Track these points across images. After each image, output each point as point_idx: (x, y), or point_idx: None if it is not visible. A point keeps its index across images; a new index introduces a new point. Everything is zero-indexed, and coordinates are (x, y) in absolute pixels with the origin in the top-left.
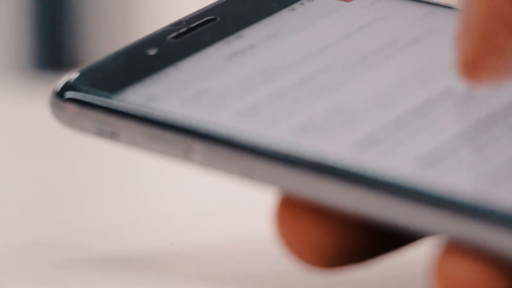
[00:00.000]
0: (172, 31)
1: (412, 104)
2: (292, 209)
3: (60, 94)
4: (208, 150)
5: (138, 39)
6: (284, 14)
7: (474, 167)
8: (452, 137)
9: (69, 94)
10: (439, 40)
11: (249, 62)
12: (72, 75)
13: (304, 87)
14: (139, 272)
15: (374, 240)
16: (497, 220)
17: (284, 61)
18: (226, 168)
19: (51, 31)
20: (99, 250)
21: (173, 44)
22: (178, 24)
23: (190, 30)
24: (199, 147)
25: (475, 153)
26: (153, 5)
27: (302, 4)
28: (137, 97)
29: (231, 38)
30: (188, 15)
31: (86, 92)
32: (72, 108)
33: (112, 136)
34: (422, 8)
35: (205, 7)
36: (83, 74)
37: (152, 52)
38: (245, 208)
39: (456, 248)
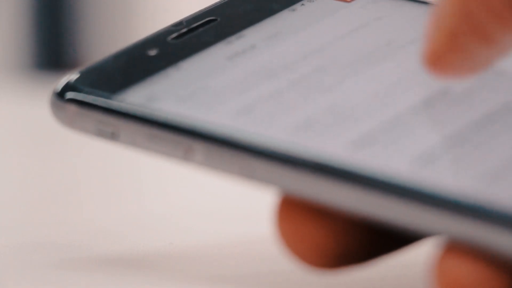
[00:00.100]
0: (172, 32)
1: (409, 103)
2: (292, 209)
3: (60, 95)
4: (208, 150)
5: (139, 39)
6: (285, 15)
7: (471, 166)
8: (449, 136)
9: (69, 94)
10: None
11: (250, 63)
12: (72, 76)
13: (305, 87)
14: (139, 272)
15: (374, 240)
16: (495, 219)
17: (284, 61)
18: (226, 168)
19: (51, 31)
20: (99, 250)
21: (173, 45)
22: (178, 24)
23: (190, 30)
24: (199, 147)
25: (472, 152)
26: (154, 5)
27: (302, 4)
28: (138, 97)
29: (231, 38)
30: (189, 15)
31: (86, 92)
32: (72, 108)
33: (113, 136)
34: (421, 8)
35: (205, 8)
36: (83, 75)
37: (152, 52)
38: (245, 208)
39: (456, 248)
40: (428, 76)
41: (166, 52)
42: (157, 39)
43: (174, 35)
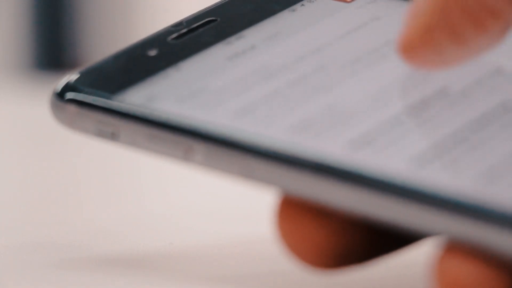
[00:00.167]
0: (172, 32)
1: (407, 103)
2: (293, 209)
3: (60, 95)
4: (208, 150)
5: (139, 40)
6: (285, 15)
7: (470, 165)
8: (447, 135)
9: (69, 95)
10: None
11: (250, 63)
12: (72, 76)
13: (304, 88)
14: (139, 272)
15: (374, 240)
16: (493, 219)
17: (284, 61)
18: (226, 168)
19: (51, 31)
20: (99, 250)
21: (173, 45)
22: (178, 25)
23: (190, 31)
24: (199, 148)
25: (470, 151)
26: (154, 5)
27: (302, 5)
28: (138, 97)
29: (231, 38)
30: (189, 16)
31: (86, 93)
32: (72, 108)
33: (113, 136)
34: None
35: (205, 8)
36: (83, 75)
37: (152, 53)
38: (245, 208)
39: (456, 248)
40: (426, 76)
41: (166, 52)
42: (157, 40)
43: (174, 35)
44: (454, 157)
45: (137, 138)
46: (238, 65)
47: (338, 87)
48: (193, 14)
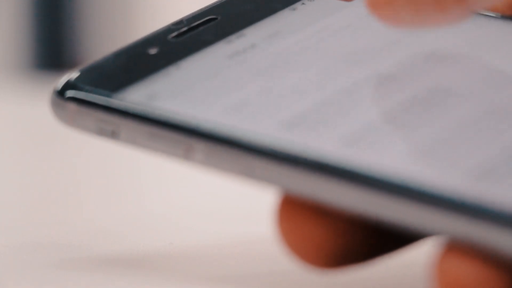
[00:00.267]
0: (173, 30)
1: (404, 99)
2: (293, 209)
3: (61, 93)
4: (208, 149)
5: (139, 38)
6: (285, 14)
7: (470, 164)
8: (442, 131)
9: (70, 93)
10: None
11: (250, 61)
12: (73, 74)
13: (306, 86)
14: (139, 272)
15: (375, 240)
16: (494, 218)
17: (285, 60)
18: (227, 167)
19: (51, 31)
20: (99, 250)
21: (174, 43)
22: (179, 23)
23: (191, 29)
24: (200, 146)
25: (469, 149)
26: (154, 4)
27: (303, 3)
28: (138, 96)
29: (232, 37)
30: (189, 14)
31: (87, 91)
32: (72, 107)
33: (113, 135)
34: None
35: (206, 7)
36: (83, 73)
37: (153, 51)
38: (245, 208)
39: (456, 248)
40: (420, 73)
41: (166, 50)
42: (158, 38)
43: (175, 34)
44: (454, 155)
45: (137, 136)
46: (238, 63)
47: (340, 84)
48: (193, 13)
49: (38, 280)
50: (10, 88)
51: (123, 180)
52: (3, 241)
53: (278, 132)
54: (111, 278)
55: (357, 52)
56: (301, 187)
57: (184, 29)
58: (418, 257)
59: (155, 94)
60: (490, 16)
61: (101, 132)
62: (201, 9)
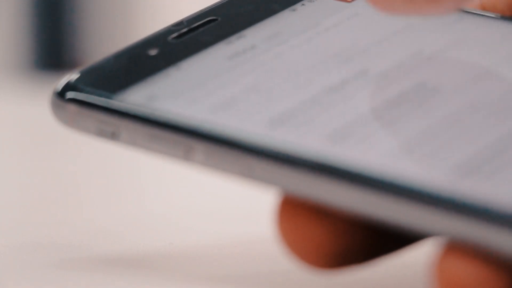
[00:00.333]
0: (173, 32)
1: (399, 96)
2: (293, 209)
3: (61, 94)
4: (209, 150)
5: (139, 39)
6: (285, 15)
7: (469, 162)
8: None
9: (70, 94)
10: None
11: (250, 62)
12: (73, 75)
13: (306, 88)
14: (139, 272)
15: (375, 240)
16: (493, 218)
17: (285, 61)
18: (227, 168)
19: (51, 31)
20: (99, 250)
21: (174, 44)
22: (179, 24)
23: (191, 30)
24: (200, 147)
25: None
26: (154, 5)
27: (303, 4)
28: (138, 97)
29: (232, 38)
30: (190, 15)
31: (87, 92)
32: (73, 108)
33: (113, 136)
34: None
35: (206, 8)
36: (84, 74)
37: (153, 52)
38: (245, 208)
39: (456, 248)
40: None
41: (166, 52)
42: (158, 39)
43: (175, 35)
44: (441, 151)
45: (137, 137)
46: (238, 64)
47: (342, 86)
48: (193, 14)
49: (38, 280)
50: (10, 88)
51: (123, 180)
52: (3, 241)
53: (278, 133)
54: (111, 278)
55: (356, 52)
56: (301, 188)
57: (184, 30)
58: (418, 257)
59: (155, 95)
60: (489, 16)
61: (101, 133)
62: (201, 10)
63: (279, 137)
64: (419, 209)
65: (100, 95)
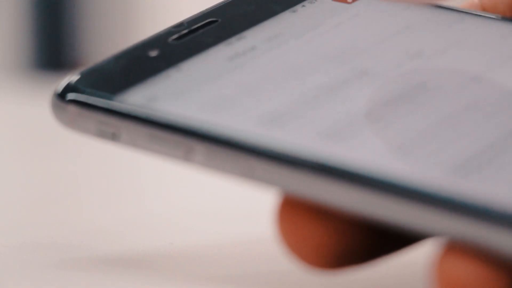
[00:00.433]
0: (173, 33)
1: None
2: (293, 209)
3: (61, 96)
4: (209, 151)
5: (140, 40)
6: (286, 16)
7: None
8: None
9: (70, 95)
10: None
11: (250, 64)
12: (73, 77)
13: (306, 88)
14: (139, 272)
15: (375, 241)
16: (493, 218)
17: (285, 62)
18: (227, 168)
19: (51, 31)
20: (99, 250)
21: (174, 46)
22: (179, 25)
23: (191, 31)
24: (200, 148)
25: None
26: (154, 6)
27: (303, 6)
28: (139, 98)
29: (232, 39)
30: (190, 17)
31: (87, 93)
32: (73, 109)
33: (113, 137)
34: (420, 11)
35: (206, 9)
36: (84, 76)
37: (153, 53)
38: (245, 208)
39: (456, 248)
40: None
41: (167, 53)
42: (158, 40)
43: (175, 36)
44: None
45: (138, 138)
46: (238, 65)
47: (341, 88)
48: (194, 15)
49: (38, 280)
50: (10, 88)
51: (123, 180)
52: (3, 241)
53: (278, 133)
54: (111, 278)
55: (356, 53)
56: (302, 188)
57: (185, 31)
58: (418, 257)
59: (156, 96)
60: (490, 17)
61: (102, 134)
62: (201, 12)
63: (280, 137)
64: (417, 208)
65: (101, 96)
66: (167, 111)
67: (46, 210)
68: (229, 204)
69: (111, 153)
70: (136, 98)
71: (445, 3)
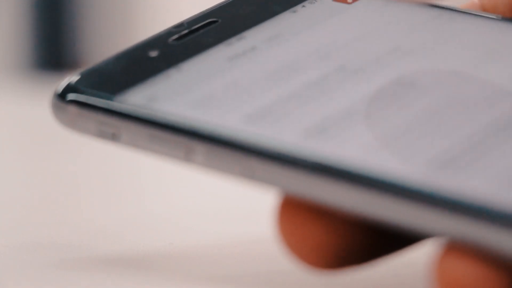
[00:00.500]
0: (174, 33)
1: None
2: (293, 209)
3: (61, 96)
4: (209, 151)
5: (140, 41)
6: (286, 16)
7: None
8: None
9: (70, 96)
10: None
11: (250, 64)
12: (73, 77)
13: (307, 89)
14: (139, 272)
15: (375, 241)
16: (493, 218)
17: (285, 62)
18: (227, 169)
19: (51, 31)
20: (99, 250)
21: (174, 46)
22: (180, 26)
23: (192, 32)
24: (200, 148)
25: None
26: (155, 6)
27: (303, 6)
28: (139, 98)
29: (232, 40)
30: (190, 17)
31: (87, 94)
32: (73, 110)
33: (114, 137)
34: (420, 11)
35: (206, 9)
36: (84, 76)
37: (153, 53)
38: (245, 208)
39: (456, 248)
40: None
41: (167, 53)
42: (158, 41)
43: (175, 36)
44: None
45: (138, 139)
46: (238, 66)
47: (344, 89)
48: (194, 15)
49: (38, 280)
50: (10, 88)
51: (123, 180)
52: (3, 241)
53: (277, 133)
54: (111, 278)
55: (355, 52)
56: (302, 188)
57: (185, 31)
58: (418, 257)
59: (156, 96)
60: (490, 17)
61: (102, 134)
62: (201, 12)
63: (280, 137)
64: (410, 206)
65: (101, 97)
66: (167, 111)
67: (46, 210)
68: (229, 204)
69: (111, 153)
70: (136, 99)
71: (445, 4)
